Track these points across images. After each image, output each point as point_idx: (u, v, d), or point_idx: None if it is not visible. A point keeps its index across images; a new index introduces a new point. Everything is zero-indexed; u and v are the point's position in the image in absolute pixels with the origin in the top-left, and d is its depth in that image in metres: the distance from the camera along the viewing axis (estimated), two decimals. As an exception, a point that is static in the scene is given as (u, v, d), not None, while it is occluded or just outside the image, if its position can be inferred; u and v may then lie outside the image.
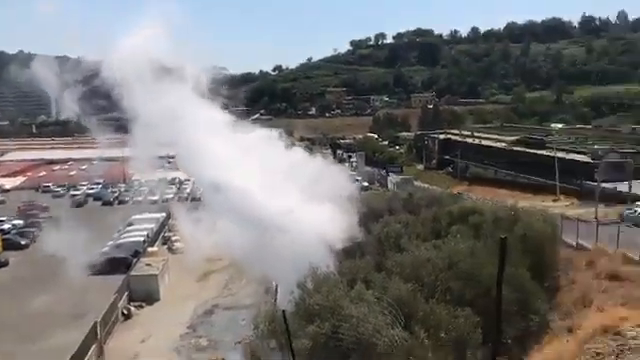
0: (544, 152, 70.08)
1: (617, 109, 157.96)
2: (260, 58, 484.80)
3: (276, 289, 33.45)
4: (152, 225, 51.69)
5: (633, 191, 47.55)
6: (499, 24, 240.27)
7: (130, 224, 53.11)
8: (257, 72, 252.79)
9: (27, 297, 35.81)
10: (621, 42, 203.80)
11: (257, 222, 24.93)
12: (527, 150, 74.62)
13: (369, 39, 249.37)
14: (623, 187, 49.29)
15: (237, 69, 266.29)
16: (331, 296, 17.81)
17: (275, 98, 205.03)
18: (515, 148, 78.54)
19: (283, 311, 11.09)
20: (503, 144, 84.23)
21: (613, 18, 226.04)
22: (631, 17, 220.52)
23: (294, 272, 21.69)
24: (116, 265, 40.75)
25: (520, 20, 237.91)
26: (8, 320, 31.82)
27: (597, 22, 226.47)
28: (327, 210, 26.46)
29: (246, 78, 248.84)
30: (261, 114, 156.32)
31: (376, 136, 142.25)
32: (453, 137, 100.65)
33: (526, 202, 49.17)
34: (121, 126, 33.86)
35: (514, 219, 24.53)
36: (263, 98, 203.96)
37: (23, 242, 49.45)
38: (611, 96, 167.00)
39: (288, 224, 25.04)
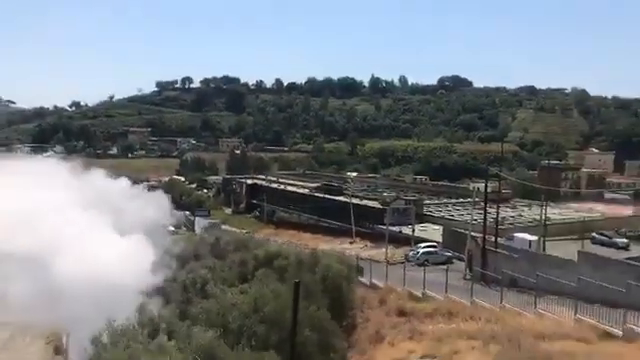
0: (342, 198, 75.74)
1: (401, 161, 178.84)
2: (55, 93, 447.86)
3: (66, 346, 30.15)
4: None
5: (416, 234, 53.52)
6: (301, 78, 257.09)
7: None
8: (51, 107, 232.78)
9: None
10: (403, 102, 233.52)
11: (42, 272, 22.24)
12: (327, 196, 79.90)
13: (176, 82, 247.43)
14: (407, 230, 55.23)
15: (29, 103, 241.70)
16: (129, 350, 16.77)
17: (71, 135, 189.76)
18: (316, 194, 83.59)
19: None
20: (306, 190, 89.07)
21: (396, 81, 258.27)
22: (410, 81, 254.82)
23: (91, 320, 19.86)
24: None
25: (319, 76, 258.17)
26: None
27: (384, 83, 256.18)
28: (134, 246, 24.81)
29: (39, 113, 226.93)
30: (54, 151, 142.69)
31: (183, 179, 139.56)
32: (260, 182, 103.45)
33: (327, 245, 52.58)
34: None
35: (315, 261, 25.97)
36: (57, 135, 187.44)
37: None
38: (396, 149, 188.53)
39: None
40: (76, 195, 25.65)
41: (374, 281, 29.87)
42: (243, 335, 18.32)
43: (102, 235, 24.16)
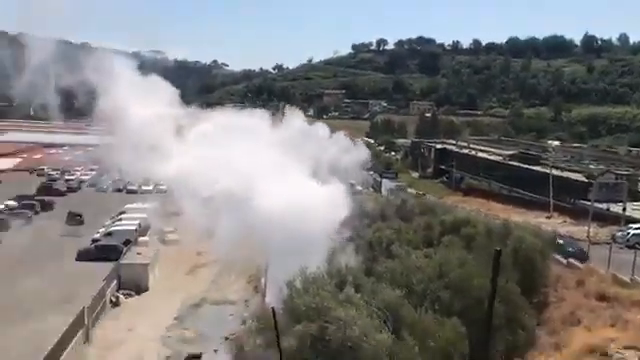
0: (539, 168, 70.46)
1: (614, 130, 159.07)
2: (261, 56, 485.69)
3: (265, 286, 33.56)
4: (145, 215, 51.58)
5: (627, 213, 47.86)
6: (501, 38, 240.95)
7: (123, 212, 53.03)
8: (257, 69, 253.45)
9: (17, 278, 35.67)
10: (621, 63, 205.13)
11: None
12: (522, 165, 74.99)
13: (370, 44, 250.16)
14: (617, 208, 49.61)
15: (238, 66, 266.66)
16: (319, 297, 17.91)
17: (273, 96, 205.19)
18: (511, 162, 78.91)
19: (272, 309, 11.17)
20: (499, 157, 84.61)
21: (615, 39, 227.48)
22: (632, 40, 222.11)
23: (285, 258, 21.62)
24: (107, 252, 40.67)
25: (522, 36, 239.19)
26: (-2, 300, 31.77)
27: (599, 42, 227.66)
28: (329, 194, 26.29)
29: (247, 74, 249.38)
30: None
31: (372, 141, 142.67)
32: (449, 147, 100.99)
33: (519, 217, 49.63)
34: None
35: (507, 232, 24.77)
36: (262, 95, 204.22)
37: (17, 223, 49.31)
38: (609, 117, 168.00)
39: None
40: (277, 141, 27.87)
41: (572, 260, 27.56)
42: (426, 298, 18.40)
43: (300, 180, 25.97)
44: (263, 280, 35.03)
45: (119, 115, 26.20)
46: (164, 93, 27.62)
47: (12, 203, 56.92)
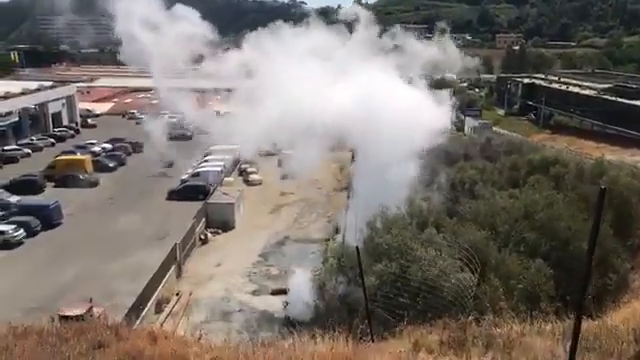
0: (639, 102, 65.13)
1: None
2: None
3: (344, 226, 34.14)
4: (229, 156, 53.35)
5: None
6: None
7: (208, 154, 55.08)
8: (335, 6, 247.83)
9: (114, 216, 38.47)
10: None
11: None
12: (619, 100, 69.53)
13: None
14: None
15: (316, 3, 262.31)
16: (400, 237, 17.96)
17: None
18: (606, 97, 73.36)
19: (357, 247, 11.31)
20: (593, 92, 78.83)
21: None
22: None
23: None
24: (195, 192, 42.73)
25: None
26: (97, 237, 34.53)
27: None
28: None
29: (324, 11, 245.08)
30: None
31: (455, 76, 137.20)
32: (538, 82, 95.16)
33: (613, 155, 46.54)
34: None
35: (599, 172, 23.42)
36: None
37: (111, 165, 52.70)
38: None
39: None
40: None
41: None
42: (511, 240, 17.99)
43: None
44: (343, 219, 35.62)
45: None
46: None
47: (107, 146, 60.68)
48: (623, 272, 18.00)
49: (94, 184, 46.93)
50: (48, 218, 36.40)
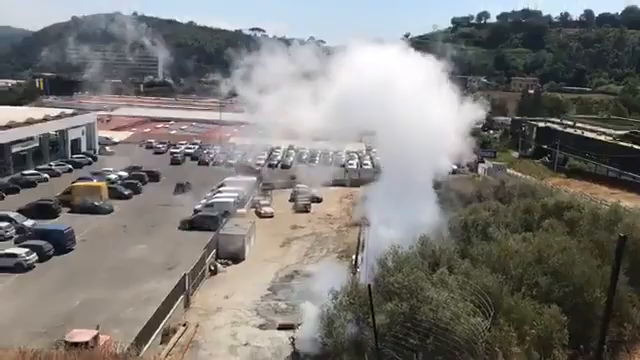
0: (655, 149, 64.84)
1: None
2: (358, 33, 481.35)
3: (355, 263, 33.91)
4: (243, 188, 53.67)
5: None
6: (616, 8, 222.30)
7: (222, 185, 55.48)
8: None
9: (126, 244, 38.66)
10: None
11: None
12: (636, 146, 69.27)
13: (471, 17, 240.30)
14: None
15: (333, 42, 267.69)
16: (412, 276, 17.81)
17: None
18: (622, 143, 73.14)
19: (369, 285, 11.26)
20: (609, 137, 78.69)
21: None
22: None
23: None
24: (207, 222, 42.89)
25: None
26: (108, 263, 34.66)
27: None
28: None
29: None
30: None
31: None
32: (553, 126, 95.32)
33: (629, 202, 46.05)
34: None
35: (615, 218, 23.17)
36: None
37: (127, 192, 53.21)
38: None
39: None
40: None
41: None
42: (523, 284, 17.74)
43: None
44: (354, 257, 35.41)
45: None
46: None
47: (124, 173, 61.40)
48: (638, 322, 17.63)
49: (109, 211, 47.35)
50: (61, 243, 36.67)
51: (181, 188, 55.62)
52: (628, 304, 17.85)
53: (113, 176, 59.65)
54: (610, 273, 17.17)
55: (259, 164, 75.66)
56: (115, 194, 51.68)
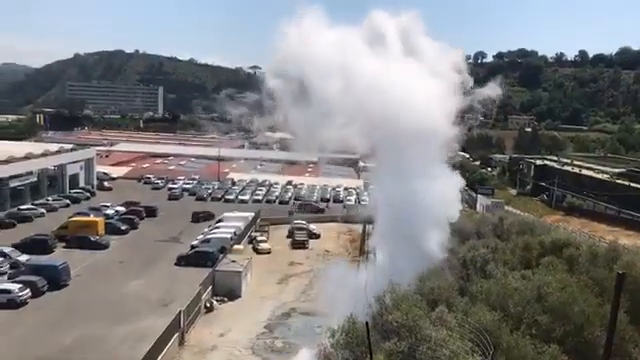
0: (652, 188, 65.08)
1: None
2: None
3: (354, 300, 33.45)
4: (240, 224, 53.48)
5: None
6: (610, 49, 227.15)
7: (220, 221, 55.30)
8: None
9: (122, 280, 38.27)
10: None
11: None
12: (633, 184, 69.55)
13: (468, 57, 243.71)
14: None
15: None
16: (410, 315, 17.57)
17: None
18: (619, 181, 73.47)
19: (367, 323, 11.10)
20: (606, 176, 79.10)
21: None
22: None
23: None
24: (203, 259, 42.58)
25: (635, 46, 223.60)
26: (103, 299, 34.21)
27: None
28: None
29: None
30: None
31: (468, 155, 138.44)
32: (550, 163, 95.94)
33: (628, 240, 45.92)
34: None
35: (613, 256, 23.03)
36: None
37: (123, 228, 52.97)
38: None
39: None
40: None
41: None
42: (523, 322, 17.48)
43: None
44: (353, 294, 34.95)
45: None
46: None
47: (121, 209, 61.27)
48: (640, 362, 17.32)
49: (105, 246, 47.03)
50: (56, 278, 36.28)
51: (199, 216, 59.76)
52: (629, 343, 17.54)
53: (110, 211, 59.51)
54: (610, 311, 16.98)
55: (258, 199, 75.84)
56: (112, 229, 51.44)
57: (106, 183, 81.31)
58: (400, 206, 27.06)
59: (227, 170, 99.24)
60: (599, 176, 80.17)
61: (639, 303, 20.08)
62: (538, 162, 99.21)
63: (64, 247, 45.79)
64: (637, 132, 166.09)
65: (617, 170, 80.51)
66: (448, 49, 30.95)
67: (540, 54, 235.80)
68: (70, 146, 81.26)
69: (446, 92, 28.97)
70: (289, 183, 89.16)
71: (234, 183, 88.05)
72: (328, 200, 78.88)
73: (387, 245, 28.68)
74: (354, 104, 28.14)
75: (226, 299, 37.13)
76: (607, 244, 27.80)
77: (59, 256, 42.12)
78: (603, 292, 19.07)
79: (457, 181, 30.43)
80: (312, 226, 57.64)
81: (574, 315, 17.46)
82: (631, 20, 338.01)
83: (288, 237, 55.27)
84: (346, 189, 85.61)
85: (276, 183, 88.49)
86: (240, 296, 38.03)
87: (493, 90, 33.92)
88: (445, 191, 28.16)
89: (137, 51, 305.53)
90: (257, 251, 49.39)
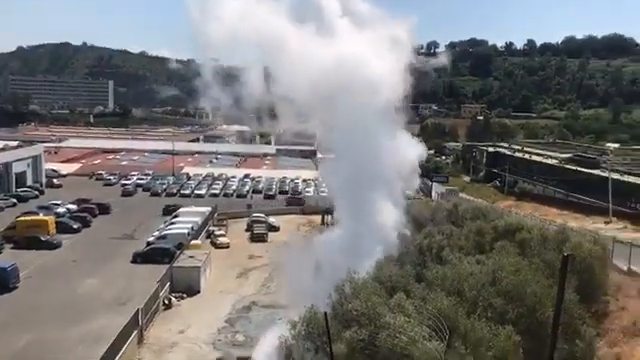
0: (598, 172, 67.76)
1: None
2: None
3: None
4: (197, 219, 52.76)
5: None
6: (557, 38, 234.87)
7: (176, 216, 54.40)
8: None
9: (75, 280, 37.17)
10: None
11: None
12: (579, 168, 72.30)
13: (421, 47, 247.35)
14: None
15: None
16: (369, 303, 17.75)
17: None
18: (567, 166, 76.24)
19: (325, 313, 11.13)
20: (554, 161, 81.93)
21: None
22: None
23: None
24: (160, 255, 41.82)
25: (579, 35, 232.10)
26: (55, 301, 33.10)
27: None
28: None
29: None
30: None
31: (423, 144, 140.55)
32: (502, 150, 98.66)
33: (576, 222, 47.81)
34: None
35: (563, 238, 23.85)
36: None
37: (75, 226, 51.39)
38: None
39: None
40: None
41: (633, 268, 26.23)
42: (478, 306, 17.90)
43: None
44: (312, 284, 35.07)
45: None
46: None
47: (72, 207, 59.40)
48: (589, 339, 18.01)
49: (56, 246, 45.51)
50: (4, 281, 34.86)
51: (170, 209, 59.43)
52: (578, 321, 18.23)
53: (61, 209, 57.58)
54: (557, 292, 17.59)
55: (215, 193, 74.95)
56: (63, 228, 49.82)
57: (55, 180, 78.62)
58: (353, 175, 26.95)
59: (182, 164, 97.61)
60: (548, 161, 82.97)
61: (587, 282, 20.95)
62: (490, 149, 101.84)
63: (12, 248, 44.04)
64: (582, 118, 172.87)
65: (565, 155, 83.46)
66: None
67: (490, 43, 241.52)
68: (15, 143, 78.09)
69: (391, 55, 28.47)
70: (246, 176, 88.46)
71: (189, 177, 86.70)
72: (287, 192, 78.75)
73: (343, 221, 28.69)
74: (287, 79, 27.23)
75: (185, 295, 36.61)
76: (557, 227, 28.81)
77: (7, 258, 40.46)
78: (554, 274, 19.71)
79: (417, 149, 30.54)
80: (271, 219, 57.42)
81: (526, 297, 17.99)
82: (575, 9, 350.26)
83: (247, 230, 54.91)
84: (304, 181, 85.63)
85: (233, 176, 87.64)
86: (199, 292, 37.57)
87: (444, 58, 34.11)
88: (401, 158, 28.28)
89: (85, 44, 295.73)
90: (215, 246, 48.86)
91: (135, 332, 28.64)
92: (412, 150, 30.09)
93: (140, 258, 42.16)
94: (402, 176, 28.78)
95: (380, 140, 27.87)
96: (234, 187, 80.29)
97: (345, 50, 27.10)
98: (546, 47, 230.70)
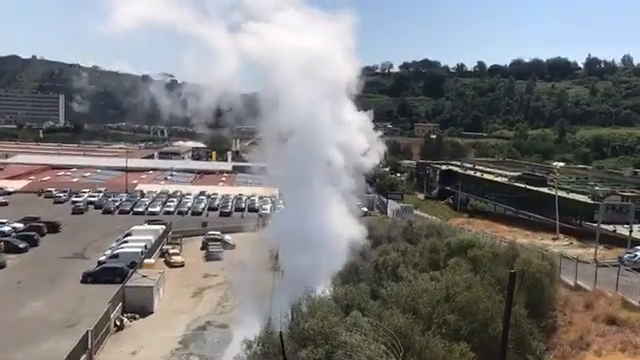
0: (545, 190, 70.33)
1: (619, 152, 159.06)
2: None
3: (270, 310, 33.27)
4: (151, 237, 51.62)
5: (634, 235, 47.52)
6: (505, 60, 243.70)
7: (129, 234, 53.07)
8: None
9: (21, 301, 35.67)
10: (625, 85, 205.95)
11: None
12: (528, 186, 74.88)
13: (376, 67, 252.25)
14: (624, 230, 49.31)
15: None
16: (326, 321, 17.75)
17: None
18: (516, 184, 78.83)
19: (280, 333, 11.11)
20: (504, 179, 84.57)
21: (618, 61, 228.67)
22: (636, 61, 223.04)
23: None
24: (112, 275, 40.67)
25: (526, 58, 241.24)
26: (0, 324, 31.65)
27: (602, 64, 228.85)
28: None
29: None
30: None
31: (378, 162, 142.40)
32: (454, 168, 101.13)
33: (525, 239, 49.36)
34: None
35: (513, 255, 24.57)
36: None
37: (22, 245, 49.38)
38: (613, 138, 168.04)
39: None
40: None
41: (579, 283, 27.23)
42: (433, 322, 18.18)
43: None
44: (268, 303, 34.77)
45: None
46: None
47: (18, 225, 57.10)
48: (539, 353, 18.56)
49: (1, 266, 43.60)
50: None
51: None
52: (529, 336, 18.78)
53: (6, 228, 55.26)
54: (512, 306, 18.08)
55: (170, 211, 73.53)
56: (9, 248, 47.81)
57: (1, 198, 75.49)
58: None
59: (136, 181, 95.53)
60: (498, 179, 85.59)
61: (536, 297, 21.63)
62: (443, 167, 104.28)
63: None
64: (530, 138, 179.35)
65: (514, 174, 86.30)
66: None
67: (442, 65, 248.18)
68: (-43, 159, 74.68)
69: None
70: (202, 193, 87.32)
71: (143, 195, 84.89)
72: (243, 209, 78.10)
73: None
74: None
75: (137, 316, 35.66)
76: (507, 243, 29.68)
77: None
78: (504, 289, 20.30)
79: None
80: (227, 237, 56.79)
81: (479, 313, 18.41)
82: (522, 32, 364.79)
83: (202, 249, 54.08)
84: (261, 198, 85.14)
85: (188, 194, 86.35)
86: (152, 312, 36.68)
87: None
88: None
89: (35, 57, 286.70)
90: (170, 264, 47.87)
91: (84, 355, 27.65)
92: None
93: (91, 278, 40.88)
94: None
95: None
96: (189, 204, 79.03)
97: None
98: (495, 69, 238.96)
